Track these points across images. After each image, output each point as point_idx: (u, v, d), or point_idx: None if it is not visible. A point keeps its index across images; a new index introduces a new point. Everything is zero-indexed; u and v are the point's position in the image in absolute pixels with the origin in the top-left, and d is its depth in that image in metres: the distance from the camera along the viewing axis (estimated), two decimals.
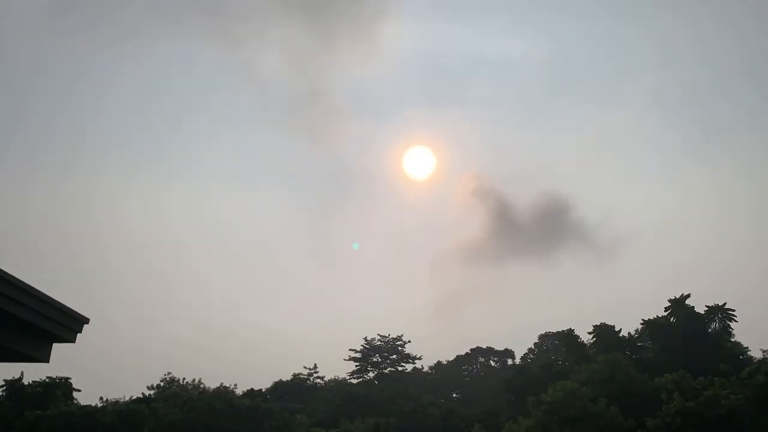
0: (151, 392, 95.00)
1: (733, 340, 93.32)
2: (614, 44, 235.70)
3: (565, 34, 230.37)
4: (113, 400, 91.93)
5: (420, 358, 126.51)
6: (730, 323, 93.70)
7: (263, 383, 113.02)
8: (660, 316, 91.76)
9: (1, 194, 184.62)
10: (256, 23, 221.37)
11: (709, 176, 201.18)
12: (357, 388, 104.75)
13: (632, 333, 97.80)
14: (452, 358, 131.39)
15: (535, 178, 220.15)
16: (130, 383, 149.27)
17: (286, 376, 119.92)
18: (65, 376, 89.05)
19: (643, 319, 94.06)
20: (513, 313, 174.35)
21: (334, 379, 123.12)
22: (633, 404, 66.62)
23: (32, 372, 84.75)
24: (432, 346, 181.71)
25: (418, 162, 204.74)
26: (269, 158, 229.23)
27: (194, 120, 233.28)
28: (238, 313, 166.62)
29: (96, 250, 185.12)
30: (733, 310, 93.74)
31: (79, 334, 8.34)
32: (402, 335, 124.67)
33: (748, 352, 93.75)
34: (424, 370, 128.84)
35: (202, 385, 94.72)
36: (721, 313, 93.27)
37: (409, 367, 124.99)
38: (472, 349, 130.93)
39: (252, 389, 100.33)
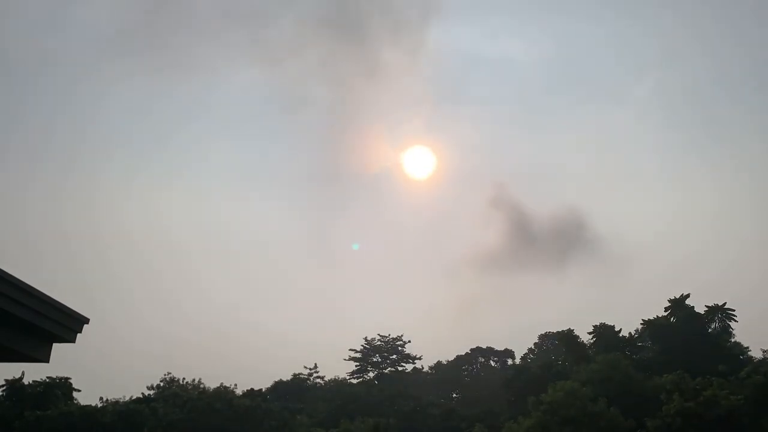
0: (151, 392, 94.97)
1: (733, 340, 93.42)
2: (615, 44, 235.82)
3: (566, 33, 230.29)
4: (113, 400, 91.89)
5: (420, 358, 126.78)
6: (730, 323, 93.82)
7: (263, 383, 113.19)
8: (660, 316, 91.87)
9: (1, 194, 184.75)
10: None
11: (710, 176, 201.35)
12: (357, 388, 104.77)
13: (632, 333, 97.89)
14: (452, 358, 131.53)
15: (534, 178, 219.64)
16: (130, 383, 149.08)
17: (286, 376, 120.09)
18: (65, 376, 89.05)
19: (643, 319, 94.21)
20: (513, 313, 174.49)
21: (334, 379, 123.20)
22: (633, 404, 66.64)
23: (32, 372, 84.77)
24: (432, 346, 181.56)
25: (419, 162, 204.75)
26: (269, 158, 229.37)
27: (194, 120, 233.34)
28: (238, 313, 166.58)
29: (96, 250, 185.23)
30: (733, 310, 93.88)
31: (79, 334, 8.34)
32: (402, 335, 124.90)
33: (749, 352, 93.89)
34: (424, 370, 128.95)
35: (202, 385, 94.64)
36: (721, 313, 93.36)
37: (409, 367, 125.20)
38: (472, 349, 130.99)
39: (252, 389, 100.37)
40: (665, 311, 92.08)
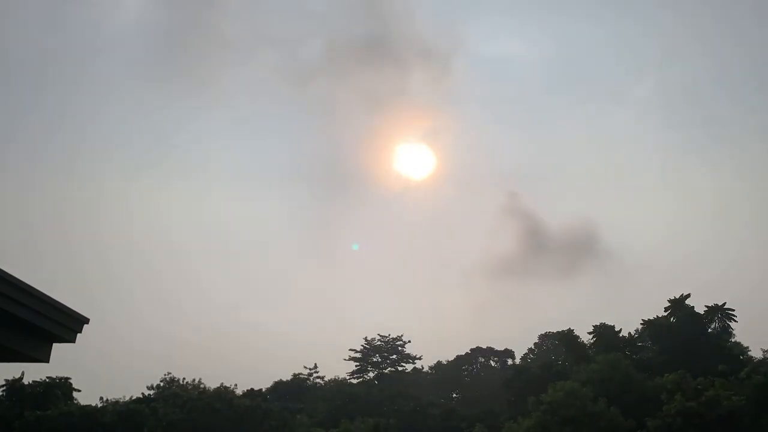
0: (151, 392, 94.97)
1: (733, 340, 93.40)
2: (615, 44, 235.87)
3: (566, 33, 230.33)
4: (113, 400, 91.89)
5: (420, 358, 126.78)
6: (730, 323, 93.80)
7: (263, 383, 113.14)
8: (660, 316, 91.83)
9: (1, 194, 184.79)
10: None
11: (710, 176, 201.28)
12: (357, 388, 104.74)
13: (632, 333, 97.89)
14: (452, 358, 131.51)
15: (533, 178, 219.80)
16: (130, 383, 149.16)
17: (286, 376, 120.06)
18: (65, 376, 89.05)
19: (643, 319, 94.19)
20: (512, 313, 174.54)
21: (334, 379, 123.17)
22: (633, 404, 66.64)
23: (32, 372, 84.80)
24: (432, 346, 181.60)
25: (419, 162, 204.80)
26: (270, 159, 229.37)
27: (195, 121, 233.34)
28: (238, 313, 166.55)
29: (96, 250, 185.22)
30: (733, 310, 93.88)
31: (79, 334, 8.34)
32: (402, 335, 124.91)
33: (749, 352, 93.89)
34: (424, 370, 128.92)
35: (202, 385, 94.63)
36: (721, 313, 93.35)
37: (409, 367, 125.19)
38: (472, 349, 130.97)
39: (252, 389, 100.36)
40: (665, 311, 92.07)
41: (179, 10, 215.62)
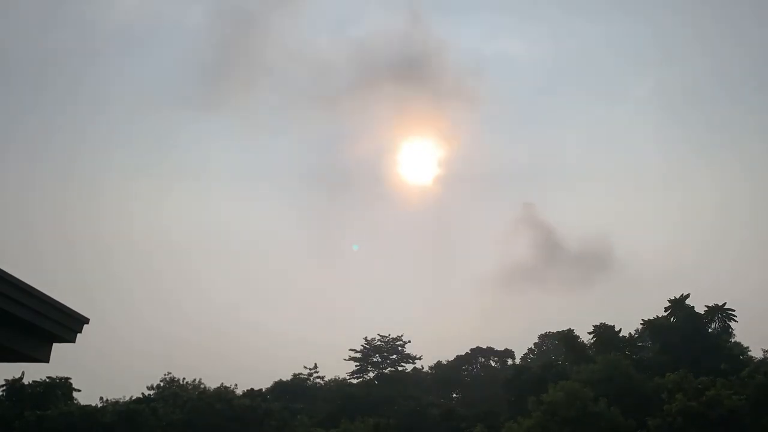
0: (151, 392, 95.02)
1: (733, 340, 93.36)
2: (615, 43, 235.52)
3: (566, 32, 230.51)
4: (113, 400, 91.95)
5: (420, 358, 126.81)
6: (730, 323, 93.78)
7: (263, 383, 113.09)
8: (660, 316, 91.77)
9: (2, 194, 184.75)
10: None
11: (710, 175, 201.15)
12: (357, 388, 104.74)
13: (632, 333, 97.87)
14: (452, 358, 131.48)
15: (531, 178, 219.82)
16: (130, 383, 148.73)
17: (286, 376, 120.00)
18: (65, 376, 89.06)
19: (643, 319, 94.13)
20: (512, 313, 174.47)
21: (334, 379, 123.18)
22: (633, 404, 66.62)
23: (32, 372, 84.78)
24: (432, 346, 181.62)
25: (419, 162, 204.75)
26: (270, 159, 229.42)
27: (195, 121, 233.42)
28: (238, 313, 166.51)
29: (96, 250, 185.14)
30: (733, 310, 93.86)
31: (79, 334, 8.33)
32: (402, 335, 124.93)
33: (749, 352, 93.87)
34: (424, 370, 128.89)
35: (202, 385, 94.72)
36: (721, 313, 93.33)
37: (409, 367, 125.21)
38: (472, 349, 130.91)
39: (252, 389, 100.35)
40: (665, 311, 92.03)
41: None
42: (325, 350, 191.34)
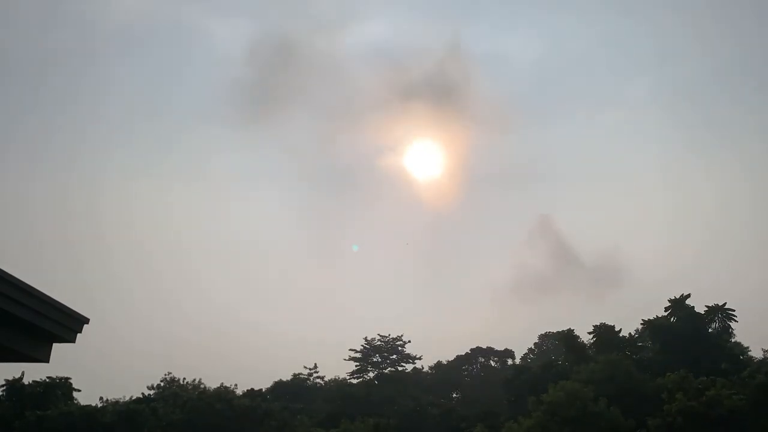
0: (151, 392, 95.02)
1: (733, 340, 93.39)
2: (610, 42, 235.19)
3: (561, 31, 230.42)
4: (113, 400, 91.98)
5: (420, 358, 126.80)
6: (730, 323, 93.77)
7: (263, 383, 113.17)
8: (660, 316, 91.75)
9: (2, 194, 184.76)
10: None
11: (708, 176, 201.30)
12: (357, 388, 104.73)
13: (632, 333, 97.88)
14: (452, 358, 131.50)
15: (530, 178, 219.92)
16: (130, 383, 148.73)
17: (286, 376, 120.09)
18: (65, 376, 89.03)
19: (643, 319, 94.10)
20: (512, 313, 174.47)
21: (334, 379, 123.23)
22: (633, 404, 66.61)
23: (32, 372, 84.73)
24: (432, 346, 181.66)
25: (417, 161, 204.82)
26: (270, 159, 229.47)
27: (195, 122, 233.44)
28: (238, 313, 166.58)
29: (96, 250, 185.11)
30: (733, 310, 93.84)
31: (79, 334, 8.33)
32: (402, 335, 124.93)
33: (749, 352, 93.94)
34: (424, 370, 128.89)
35: (202, 385, 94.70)
36: (721, 313, 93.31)
37: (409, 367, 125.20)
38: (472, 349, 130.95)
39: (252, 389, 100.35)
40: (665, 311, 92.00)
41: None
42: (325, 350, 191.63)
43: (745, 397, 60.92)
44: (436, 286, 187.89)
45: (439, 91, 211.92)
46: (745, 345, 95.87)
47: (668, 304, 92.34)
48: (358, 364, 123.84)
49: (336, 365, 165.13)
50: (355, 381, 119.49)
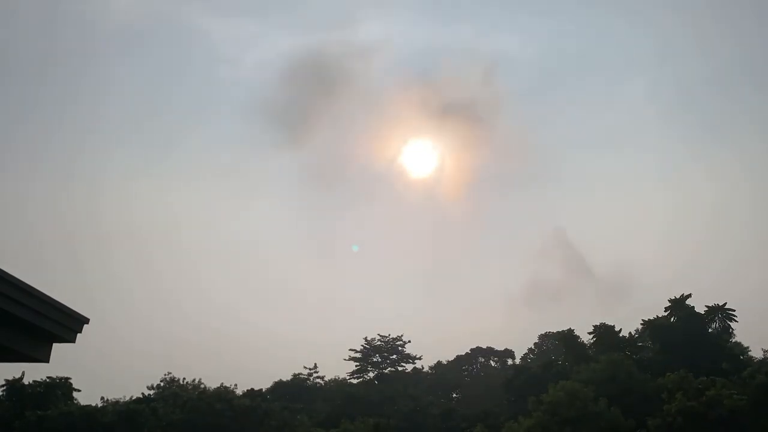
0: (151, 392, 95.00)
1: (733, 340, 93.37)
2: (608, 42, 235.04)
3: (559, 31, 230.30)
4: (113, 400, 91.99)
5: (420, 358, 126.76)
6: (730, 323, 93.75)
7: (263, 383, 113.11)
8: (660, 316, 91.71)
9: (2, 194, 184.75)
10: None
11: (708, 175, 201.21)
12: (357, 388, 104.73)
13: (632, 333, 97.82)
14: (452, 358, 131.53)
15: (528, 177, 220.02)
16: (130, 383, 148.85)
17: (286, 376, 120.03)
18: (65, 376, 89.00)
19: (643, 319, 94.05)
20: (512, 313, 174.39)
21: (334, 379, 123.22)
22: (633, 404, 66.61)
23: (32, 372, 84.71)
24: (432, 346, 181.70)
25: (418, 161, 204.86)
26: (270, 159, 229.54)
27: (196, 122, 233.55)
28: (238, 313, 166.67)
29: (96, 250, 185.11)
30: (733, 310, 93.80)
31: (79, 334, 8.33)
32: (402, 335, 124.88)
33: (749, 352, 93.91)
34: (424, 370, 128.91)
35: (202, 385, 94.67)
36: (721, 313, 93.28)
37: (409, 367, 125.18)
38: (472, 349, 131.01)
39: (252, 389, 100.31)
40: (665, 311, 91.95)
41: None
42: (325, 350, 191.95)
43: (745, 397, 60.88)
44: (436, 287, 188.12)
45: (452, 102, 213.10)
46: (745, 345, 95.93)
47: (668, 304, 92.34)
48: (358, 364, 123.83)
49: (336, 365, 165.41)
50: (355, 381, 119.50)
